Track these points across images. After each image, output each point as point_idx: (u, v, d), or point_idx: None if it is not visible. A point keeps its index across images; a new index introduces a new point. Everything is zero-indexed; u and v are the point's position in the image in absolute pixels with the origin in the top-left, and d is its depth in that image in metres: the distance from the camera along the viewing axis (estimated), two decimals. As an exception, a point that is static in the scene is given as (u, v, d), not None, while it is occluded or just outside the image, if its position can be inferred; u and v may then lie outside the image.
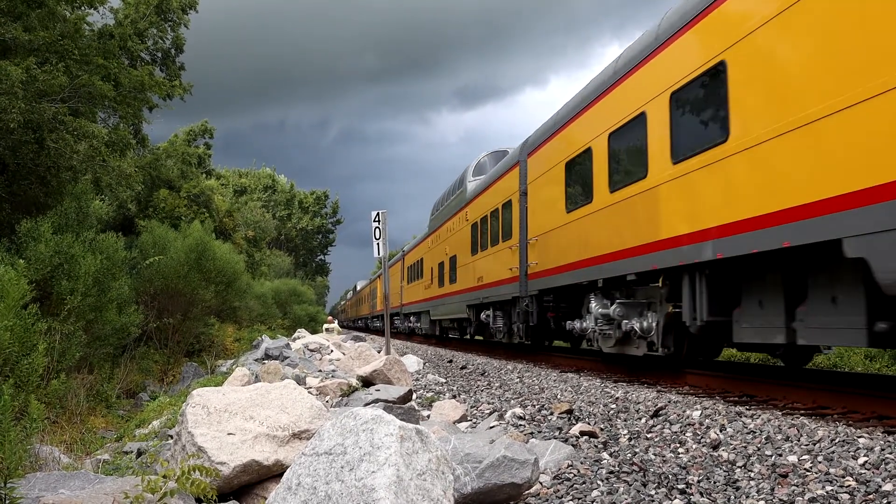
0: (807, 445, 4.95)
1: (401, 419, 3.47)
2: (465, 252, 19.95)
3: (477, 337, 21.93)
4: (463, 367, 14.05)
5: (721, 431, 5.64)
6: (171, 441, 5.43)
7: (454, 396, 9.40)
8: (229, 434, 4.07)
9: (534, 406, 7.87)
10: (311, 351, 16.31)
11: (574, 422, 6.68)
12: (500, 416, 7.32)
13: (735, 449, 5.09)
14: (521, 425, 6.68)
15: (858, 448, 4.71)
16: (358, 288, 72.89)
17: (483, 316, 17.75)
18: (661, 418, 6.48)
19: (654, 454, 5.19)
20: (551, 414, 7.22)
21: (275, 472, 4.10)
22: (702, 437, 5.57)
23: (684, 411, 6.53)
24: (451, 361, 16.13)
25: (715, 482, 4.38)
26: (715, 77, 7.61)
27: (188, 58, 21.99)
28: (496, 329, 16.90)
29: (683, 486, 4.32)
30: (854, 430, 5.24)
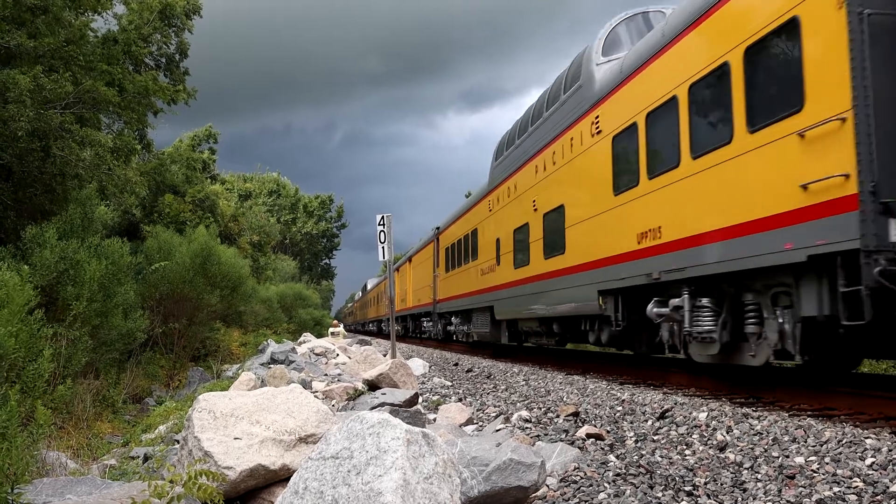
0: (814, 447, 4.94)
1: (407, 423, 3.47)
2: (594, 195, 11.16)
3: (612, 351, 14.25)
4: (468, 371, 14.04)
5: (728, 433, 5.63)
6: (177, 446, 5.44)
7: (460, 400, 9.40)
8: (236, 439, 4.07)
9: (540, 409, 7.86)
10: (317, 355, 16.30)
11: (580, 424, 6.67)
12: (507, 419, 7.31)
13: (742, 450, 5.08)
14: (527, 428, 6.67)
15: (866, 449, 4.70)
16: (368, 287, 62.13)
17: (657, 310, 9.06)
18: (667, 420, 6.47)
19: (661, 456, 5.18)
20: (557, 416, 7.21)
21: (281, 477, 4.10)
22: (708, 439, 5.55)
23: (691, 413, 6.52)
24: (456, 364, 16.12)
25: (722, 484, 4.37)
26: None
27: (192, 62, 22.02)
28: (699, 335, 8.16)
29: (690, 487, 4.31)
30: (861, 431, 5.23)
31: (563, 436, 6.15)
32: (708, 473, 4.60)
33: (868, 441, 4.87)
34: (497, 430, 6.63)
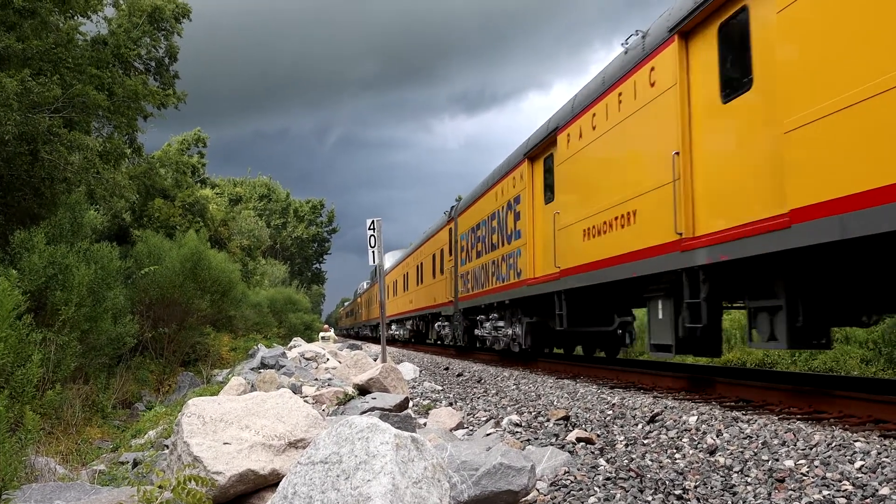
0: (803, 450, 4.95)
1: (397, 427, 3.46)
2: None
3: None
4: (459, 375, 14.02)
5: (717, 437, 5.64)
6: (166, 451, 5.41)
7: (451, 404, 9.39)
8: (225, 443, 4.05)
9: (530, 413, 7.86)
10: (307, 360, 16.24)
11: (571, 428, 6.68)
12: (497, 424, 7.31)
13: (731, 454, 5.09)
14: (517, 432, 6.67)
15: (855, 452, 4.71)
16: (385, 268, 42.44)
17: None
18: (657, 424, 6.48)
19: (651, 460, 5.19)
20: (548, 420, 7.21)
21: (271, 482, 4.08)
22: (698, 443, 5.57)
23: (681, 417, 6.53)
24: (447, 369, 16.11)
25: (712, 487, 4.38)
26: None
27: (187, 66, 22.05)
28: None
29: (680, 491, 4.31)
30: (850, 435, 5.25)
31: (554, 440, 6.16)
32: (698, 477, 4.61)
33: (857, 444, 4.89)
34: (487, 435, 6.62)
